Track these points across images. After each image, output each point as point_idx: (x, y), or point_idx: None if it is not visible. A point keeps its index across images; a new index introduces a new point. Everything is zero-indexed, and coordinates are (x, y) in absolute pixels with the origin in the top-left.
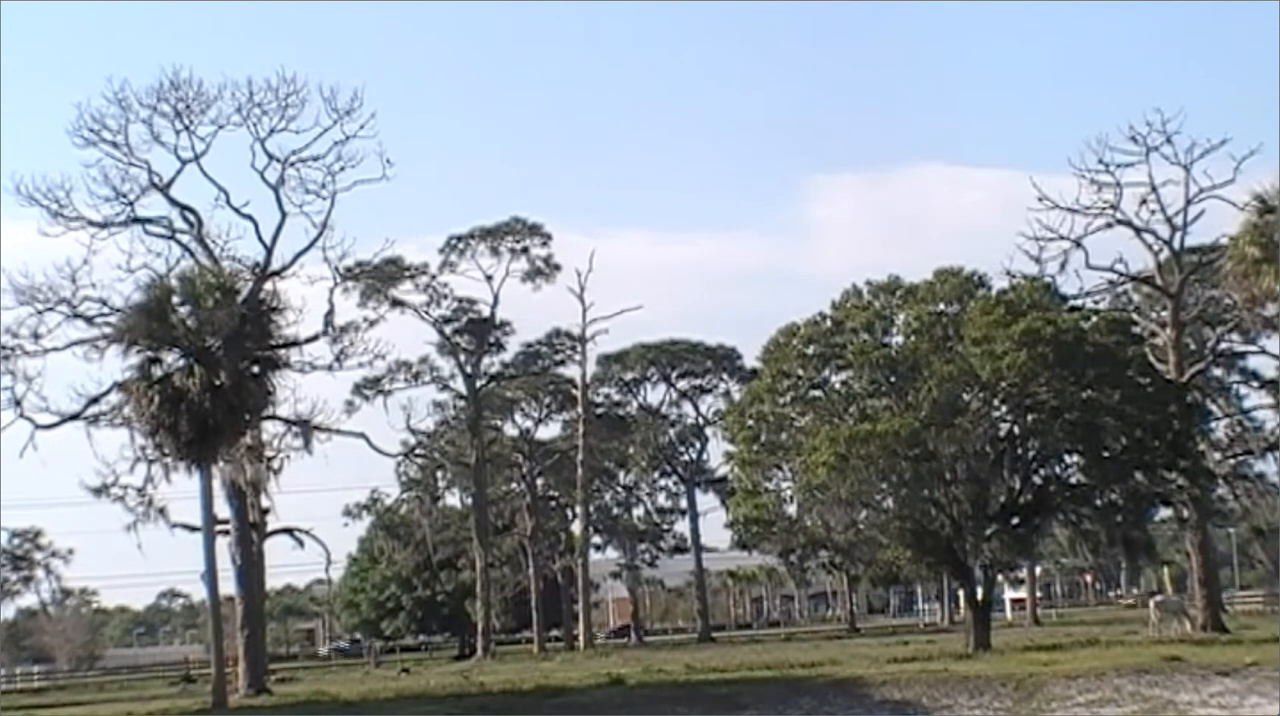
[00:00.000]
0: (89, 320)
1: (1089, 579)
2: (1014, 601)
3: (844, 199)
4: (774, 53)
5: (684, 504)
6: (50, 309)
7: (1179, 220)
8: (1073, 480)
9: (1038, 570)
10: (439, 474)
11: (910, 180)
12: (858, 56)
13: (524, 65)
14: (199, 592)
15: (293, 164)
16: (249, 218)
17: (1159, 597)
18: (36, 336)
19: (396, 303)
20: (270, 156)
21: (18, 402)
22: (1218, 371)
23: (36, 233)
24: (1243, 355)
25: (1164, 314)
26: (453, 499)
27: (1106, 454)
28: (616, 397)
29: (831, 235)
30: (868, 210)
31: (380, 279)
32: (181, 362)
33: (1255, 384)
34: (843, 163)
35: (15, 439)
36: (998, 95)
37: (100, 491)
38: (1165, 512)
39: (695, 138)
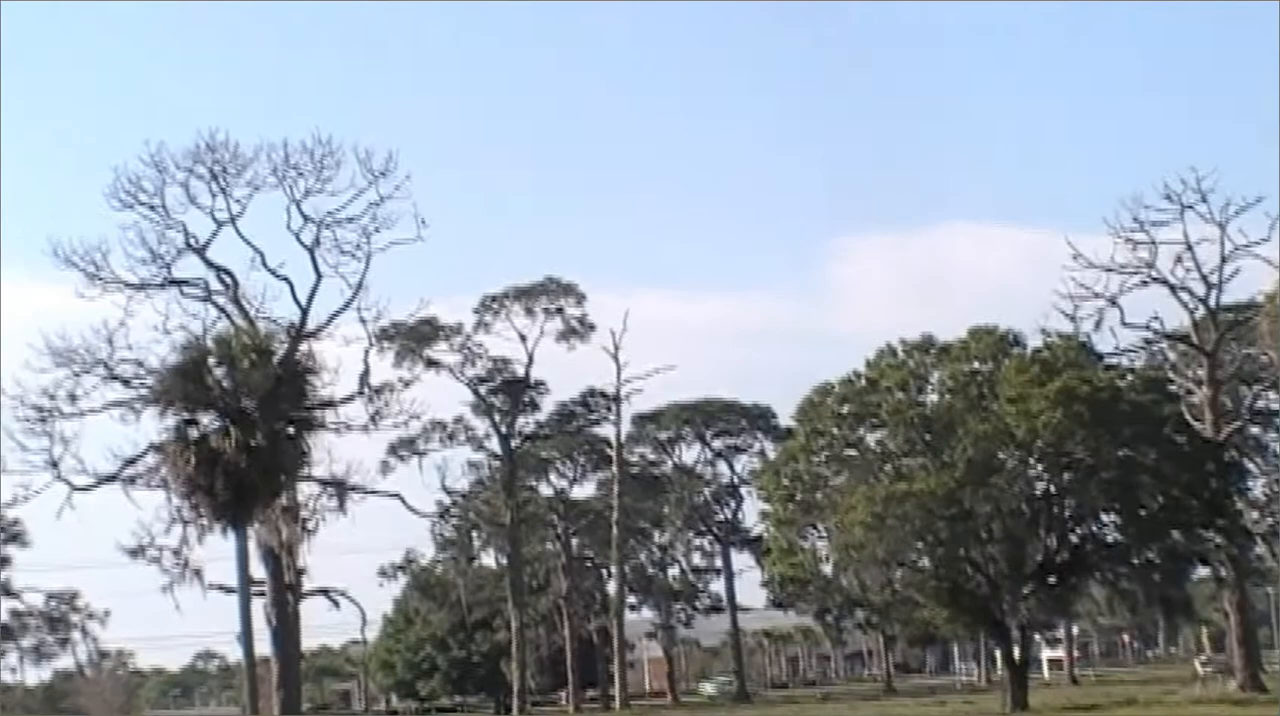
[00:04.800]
0: (126, 382)
1: (1126, 638)
2: (1051, 661)
3: (872, 258)
4: (802, 112)
5: (719, 563)
6: (87, 371)
7: (1214, 278)
8: (1109, 539)
9: (1075, 629)
10: (474, 534)
11: (937, 239)
12: (883, 116)
13: (557, 125)
14: (235, 654)
15: (328, 225)
16: (285, 279)
17: (1204, 656)
18: (73, 398)
19: (431, 363)
20: (305, 218)
21: (55, 464)
22: (1255, 429)
23: (74, 295)
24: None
25: (1200, 372)
26: (488, 559)
27: (1143, 512)
28: (651, 457)
29: (862, 294)
30: (896, 269)
31: (415, 339)
32: (217, 424)
33: None
34: (871, 222)
35: (52, 501)
36: (1024, 154)
37: (136, 553)
38: (1203, 571)
39: (725, 197)
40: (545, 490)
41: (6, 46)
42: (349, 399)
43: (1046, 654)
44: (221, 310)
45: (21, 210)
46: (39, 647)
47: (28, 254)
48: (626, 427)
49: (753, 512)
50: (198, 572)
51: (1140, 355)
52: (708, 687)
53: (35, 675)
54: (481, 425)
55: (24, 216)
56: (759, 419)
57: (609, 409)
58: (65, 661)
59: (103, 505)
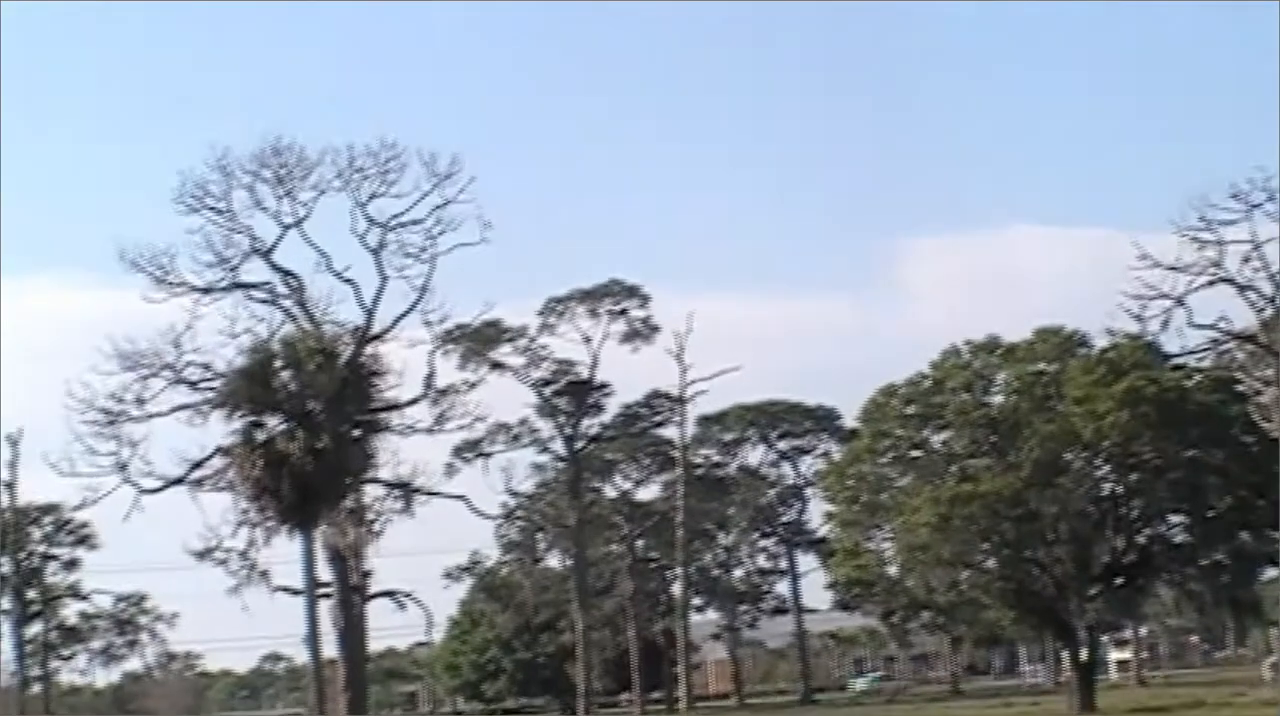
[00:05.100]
0: (192, 385)
1: (1195, 639)
2: (1118, 662)
3: (937, 259)
4: (867, 113)
5: (784, 565)
6: (154, 374)
7: None
8: (1177, 540)
9: (1143, 631)
10: (539, 536)
11: (1003, 239)
12: (948, 116)
13: (621, 127)
14: (301, 656)
15: (393, 228)
16: (350, 282)
17: (1273, 658)
18: (141, 402)
19: (496, 365)
20: (370, 221)
21: (123, 467)
22: None
23: (141, 299)
24: None
25: (1268, 372)
26: (553, 561)
27: (1211, 513)
28: (716, 458)
29: (927, 295)
30: (961, 270)
31: (480, 341)
32: (283, 426)
33: None
34: (936, 223)
35: (121, 504)
36: (1090, 154)
37: (204, 555)
38: (1272, 572)
39: (789, 198)
40: (610, 492)
41: (73, 53)
42: (414, 401)
43: (1114, 655)
44: (287, 313)
45: (89, 214)
46: (108, 650)
47: (95, 258)
48: (691, 429)
49: (818, 514)
50: (264, 575)
51: (1208, 356)
52: (859, 684)
53: (104, 677)
54: (546, 427)
55: (91, 221)
56: (824, 420)
57: (673, 410)
58: (133, 663)
59: (170, 508)
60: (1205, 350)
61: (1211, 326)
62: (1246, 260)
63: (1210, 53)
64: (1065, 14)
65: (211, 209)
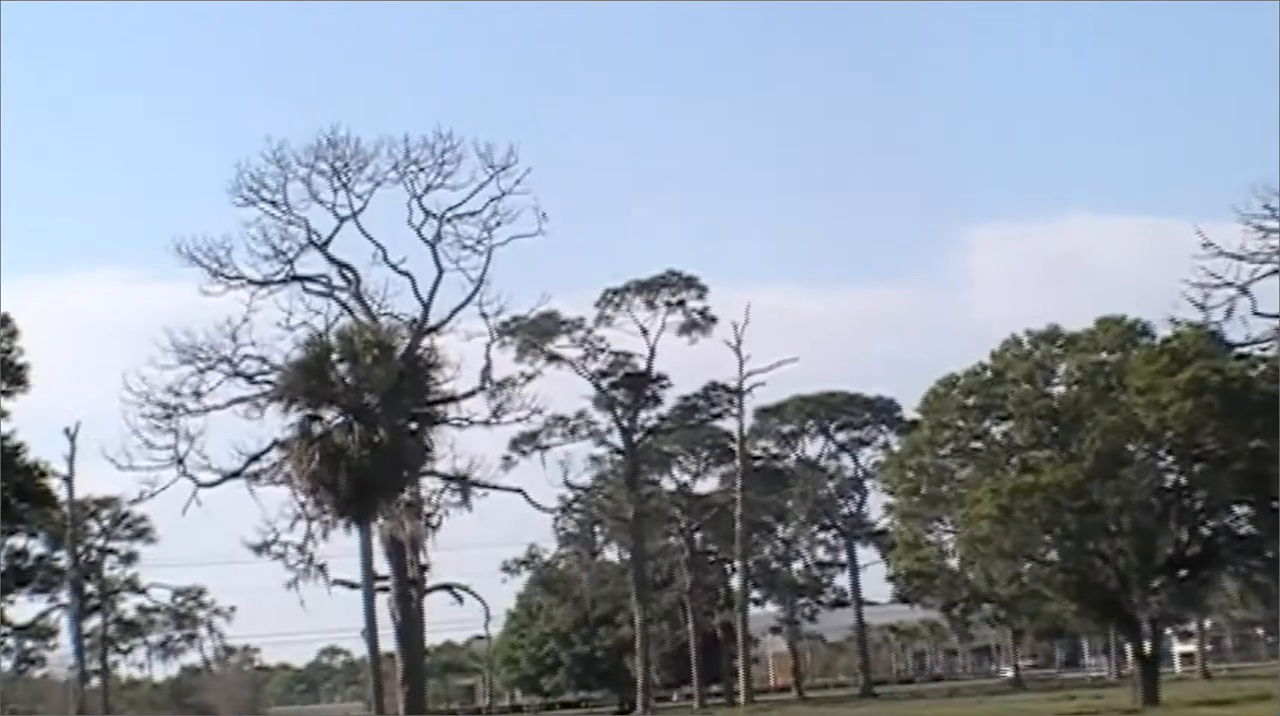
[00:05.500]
0: (249, 378)
1: (1260, 631)
2: (1183, 655)
3: (998, 249)
4: (926, 104)
5: (843, 557)
6: (211, 367)
7: None
8: (1241, 531)
9: (1207, 623)
10: (596, 529)
11: (1064, 230)
12: (1008, 107)
13: (675, 120)
14: (359, 649)
15: (449, 220)
16: (406, 274)
17: None
18: (198, 395)
19: (553, 357)
20: (427, 213)
21: (180, 461)
22: None
23: (198, 292)
24: None
25: None
26: (611, 554)
27: (1276, 504)
28: (774, 450)
29: (987, 285)
30: (1022, 260)
31: (536, 334)
32: (340, 420)
33: None
34: (997, 213)
35: (178, 498)
36: (1152, 142)
37: (261, 549)
38: None
39: (847, 188)
40: (668, 484)
41: (128, 47)
42: (471, 394)
43: (1178, 648)
44: (344, 306)
45: (145, 208)
46: (166, 643)
47: (151, 252)
48: (749, 421)
49: (877, 506)
50: (322, 568)
51: (1272, 344)
52: (1009, 672)
53: (162, 671)
54: (603, 419)
55: (147, 214)
56: (883, 411)
57: (731, 402)
58: (192, 657)
59: (228, 501)
60: (1270, 339)
61: (1276, 315)
62: None
63: (1273, 39)
64: (1128, 2)
65: (268, 201)
